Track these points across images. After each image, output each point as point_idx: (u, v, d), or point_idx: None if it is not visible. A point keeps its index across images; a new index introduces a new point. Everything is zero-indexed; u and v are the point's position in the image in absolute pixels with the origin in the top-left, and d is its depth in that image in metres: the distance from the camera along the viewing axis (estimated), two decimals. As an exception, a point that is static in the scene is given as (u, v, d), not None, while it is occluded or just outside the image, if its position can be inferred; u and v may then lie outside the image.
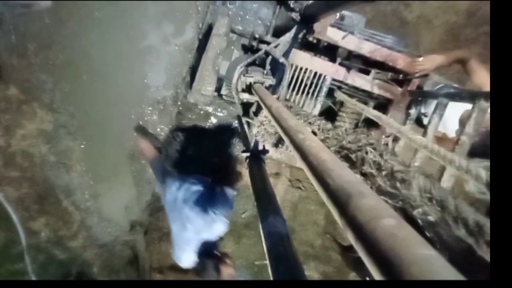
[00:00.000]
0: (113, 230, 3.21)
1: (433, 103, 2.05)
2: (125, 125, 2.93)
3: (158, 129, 3.00)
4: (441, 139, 2.14)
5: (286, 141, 0.85)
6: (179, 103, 3.01)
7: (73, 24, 2.66)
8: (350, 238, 0.45)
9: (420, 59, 2.15)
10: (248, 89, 2.06)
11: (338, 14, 2.30)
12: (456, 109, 1.90)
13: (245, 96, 2.06)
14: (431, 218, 0.95)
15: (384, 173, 1.07)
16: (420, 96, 2.25)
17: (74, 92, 2.81)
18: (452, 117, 1.97)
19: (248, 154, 1.57)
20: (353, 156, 1.16)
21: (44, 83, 2.74)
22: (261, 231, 0.93)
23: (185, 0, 2.72)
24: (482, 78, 1.88)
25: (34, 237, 3.06)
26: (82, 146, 2.95)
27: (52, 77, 2.74)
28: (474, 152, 1.61)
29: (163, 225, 3.34)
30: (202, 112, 3.12)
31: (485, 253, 0.79)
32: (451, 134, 2.10)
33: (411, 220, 0.95)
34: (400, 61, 2.26)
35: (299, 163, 0.71)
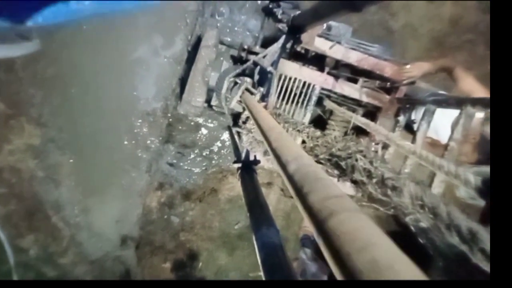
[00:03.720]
0: (104, 245, 3.15)
1: (421, 110, 2.08)
2: (114, 138, 2.90)
3: (148, 142, 2.98)
4: (432, 145, 2.16)
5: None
6: (169, 114, 3.00)
7: (61, 36, 2.65)
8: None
9: (407, 66, 2.19)
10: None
11: (325, 25, 2.33)
12: (448, 115, 1.93)
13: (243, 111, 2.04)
14: (423, 224, 0.95)
15: (374, 180, 1.08)
16: (408, 103, 2.28)
17: (63, 106, 2.78)
18: (444, 123, 1.99)
19: (239, 164, 1.57)
20: (343, 163, 1.16)
21: (33, 97, 2.70)
22: (255, 242, 0.93)
23: (184, 0, 2.72)
24: (467, 85, 1.92)
25: (23, 255, 2.97)
26: (71, 160, 2.90)
27: (40, 90, 2.70)
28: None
29: (155, 238, 3.29)
30: (192, 123, 3.11)
31: (479, 260, 0.79)
32: (444, 140, 2.12)
33: (404, 227, 0.95)
34: (387, 69, 2.29)
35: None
